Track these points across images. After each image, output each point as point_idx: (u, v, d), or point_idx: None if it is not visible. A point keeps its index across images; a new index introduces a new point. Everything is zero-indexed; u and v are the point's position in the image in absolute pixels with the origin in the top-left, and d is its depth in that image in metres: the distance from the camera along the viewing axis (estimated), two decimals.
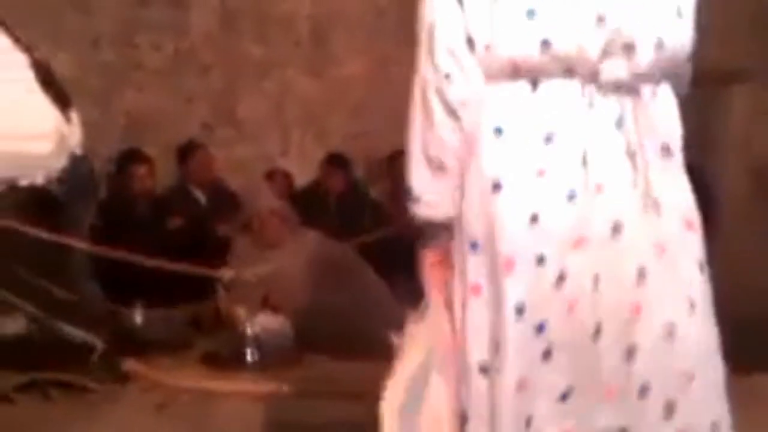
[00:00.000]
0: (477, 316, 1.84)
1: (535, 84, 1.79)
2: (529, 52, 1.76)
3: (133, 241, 4.71)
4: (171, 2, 6.26)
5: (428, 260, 1.92)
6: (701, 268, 1.86)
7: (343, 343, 4.31)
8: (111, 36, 6.14)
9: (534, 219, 1.79)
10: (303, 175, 6.37)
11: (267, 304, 4.65)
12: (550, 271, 1.79)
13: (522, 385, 1.80)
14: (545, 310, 1.80)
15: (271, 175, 6.18)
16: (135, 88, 6.22)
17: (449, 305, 1.88)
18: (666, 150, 1.84)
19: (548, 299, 1.80)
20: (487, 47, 1.78)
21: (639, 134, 1.81)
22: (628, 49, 1.77)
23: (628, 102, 1.81)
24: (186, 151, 5.96)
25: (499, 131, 1.80)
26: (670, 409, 1.83)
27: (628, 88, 1.80)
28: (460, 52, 1.79)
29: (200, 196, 5.90)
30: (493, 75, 1.80)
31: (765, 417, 3.74)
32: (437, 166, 1.84)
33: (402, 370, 1.87)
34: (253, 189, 5.87)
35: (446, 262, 1.89)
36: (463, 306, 1.85)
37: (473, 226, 1.83)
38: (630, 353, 1.82)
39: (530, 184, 1.79)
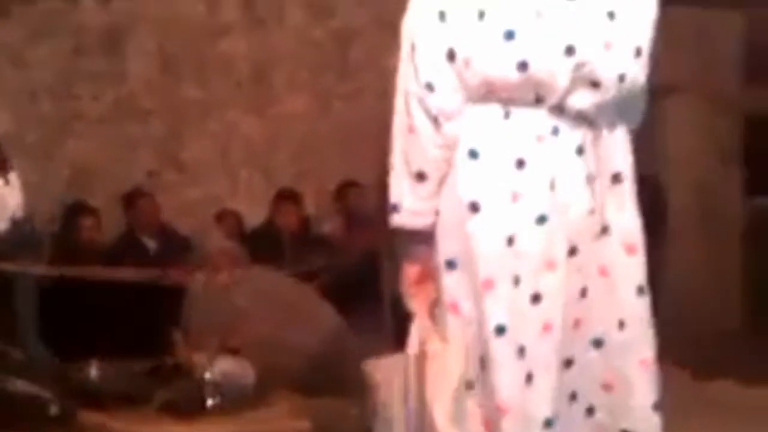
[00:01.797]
0: (457, 334, 1.86)
1: (506, 111, 1.86)
2: (506, 73, 1.83)
3: (83, 293, 4.64)
4: (107, 50, 6.23)
5: (411, 277, 1.94)
6: (639, 291, 1.94)
7: (306, 380, 4.29)
8: (49, 88, 6.08)
9: (510, 241, 1.84)
10: (252, 214, 6.33)
11: (225, 347, 4.60)
12: (525, 291, 1.85)
13: (505, 409, 1.83)
14: (523, 330, 1.85)
15: (220, 217, 6.14)
16: (76, 139, 6.16)
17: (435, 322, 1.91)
18: (616, 177, 1.93)
19: (525, 320, 1.85)
20: (466, 62, 1.84)
21: (596, 162, 1.90)
22: (594, 82, 1.86)
23: (587, 131, 1.90)
24: (131, 199, 5.90)
25: (474, 154, 1.86)
26: (590, 412, 1.95)
27: (588, 118, 1.89)
28: (441, 64, 1.84)
29: (150, 243, 5.84)
30: (468, 94, 1.86)
31: (722, 422, 3.80)
32: (418, 175, 1.88)
33: (443, 384, 1.87)
34: (203, 232, 5.83)
35: (429, 277, 1.92)
36: (444, 325, 1.89)
37: (449, 244, 1.88)
38: (567, 365, 1.90)
39: (506, 208, 1.85)
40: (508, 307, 1.84)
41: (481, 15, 1.82)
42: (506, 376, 1.84)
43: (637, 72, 1.91)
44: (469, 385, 1.88)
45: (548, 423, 1.85)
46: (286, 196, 6.27)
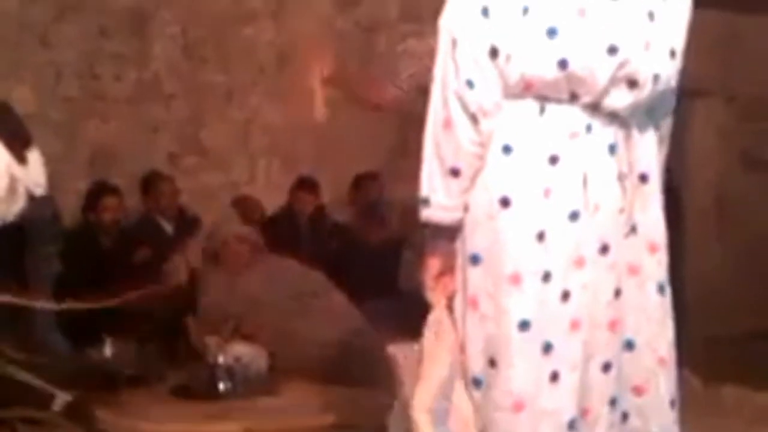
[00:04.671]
0: (472, 329, 1.87)
1: (542, 107, 1.86)
2: (546, 69, 1.83)
3: (99, 275, 4.66)
4: (132, 32, 6.25)
5: (433, 270, 1.94)
6: (661, 290, 1.95)
7: (318, 369, 4.30)
8: (73, 68, 6.11)
9: (541, 237, 1.84)
10: (270, 201, 6.35)
11: (239, 333, 4.62)
12: (556, 289, 1.85)
13: (520, 405, 1.82)
14: (551, 328, 1.85)
15: (239, 203, 6.16)
16: (99, 120, 6.19)
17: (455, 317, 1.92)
18: (643, 177, 1.93)
19: (554, 317, 1.85)
20: (507, 59, 1.83)
21: (627, 161, 1.91)
22: (632, 81, 1.86)
23: (619, 131, 1.90)
24: (149, 182, 5.93)
25: (507, 149, 1.86)
26: (624, 417, 1.95)
27: (620, 117, 1.89)
28: (484, 61, 1.84)
29: (167, 226, 5.87)
30: (506, 90, 1.86)
31: (732, 427, 3.79)
32: (451, 170, 1.88)
33: (428, 380, 1.89)
34: (220, 217, 5.85)
35: (452, 271, 1.91)
36: (462, 318, 1.88)
37: (476, 239, 1.88)
38: (606, 368, 1.90)
39: (537, 203, 1.85)
40: (535, 302, 1.84)
41: (525, 11, 1.82)
42: (525, 373, 1.83)
43: (671, 73, 1.92)
44: (476, 383, 1.88)
45: (572, 424, 1.85)
46: (305, 184, 6.28)
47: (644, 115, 1.94)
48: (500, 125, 1.86)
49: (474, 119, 1.85)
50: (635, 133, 1.93)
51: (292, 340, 4.49)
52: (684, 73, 1.98)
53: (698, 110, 6.76)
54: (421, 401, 1.87)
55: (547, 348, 1.83)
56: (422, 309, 1.96)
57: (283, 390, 4.29)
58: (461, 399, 1.89)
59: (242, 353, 4.41)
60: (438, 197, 1.89)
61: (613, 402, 1.92)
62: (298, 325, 4.56)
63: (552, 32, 1.82)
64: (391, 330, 2.80)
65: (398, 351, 1.99)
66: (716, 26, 6.45)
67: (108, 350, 4.45)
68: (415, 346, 1.95)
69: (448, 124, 1.86)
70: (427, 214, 1.91)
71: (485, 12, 1.83)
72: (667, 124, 2.02)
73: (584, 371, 1.87)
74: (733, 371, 4.70)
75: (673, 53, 1.91)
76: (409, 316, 2.04)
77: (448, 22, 1.88)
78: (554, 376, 1.84)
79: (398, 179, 5.77)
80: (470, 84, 1.84)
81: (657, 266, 1.95)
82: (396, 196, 5.94)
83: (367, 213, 6.19)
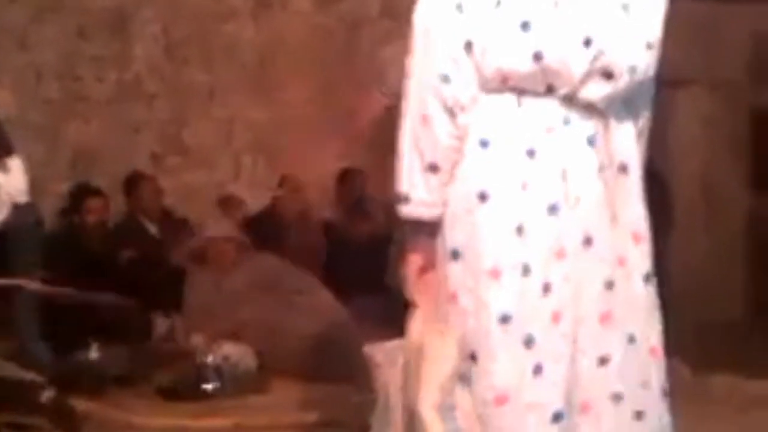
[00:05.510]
0: (454, 325, 1.86)
1: (519, 100, 1.86)
2: (520, 62, 1.83)
3: (85, 277, 4.63)
4: (112, 33, 6.21)
5: (414, 266, 1.93)
6: (646, 279, 1.94)
7: (305, 366, 4.29)
8: (53, 70, 6.07)
9: (519, 230, 1.84)
10: (255, 200, 6.33)
11: (225, 331, 4.60)
12: (536, 281, 1.84)
13: (503, 399, 1.81)
14: (532, 321, 1.83)
15: (224, 202, 6.14)
16: (80, 121, 6.15)
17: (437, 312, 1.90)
18: (623, 168, 1.93)
19: (535, 309, 1.84)
20: (483, 52, 1.83)
21: (607, 153, 1.90)
22: (608, 73, 1.86)
23: (598, 122, 1.90)
24: (132, 183, 5.89)
25: (485, 143, 1.85)
26: (639, 416, 1.91)
27: (598, 109, 1.89)
28: (459, 55, 1.84)
29: (151, 227, 5.84)
30: (482, 83, 1.85)
31: (722, 415, 3.80)
32: (430, 166, 1.87)
33: (434, 377, 1.87)
34: (205, 216, 5.83)
35: (432, 267, 1.91)
36: (445, 314, 1.88)
37: (455, 234, 1.87)
38: (603, 362, 1.88)
39: (515, 197, 1.84)
40: (515, 296, 1.83)
41: (498, 4, 1.82)
42: (507, 366, 1.82)
43: (648, 64, 1.92)
44: (463, 379, 1.87)
45: (557, 416, 1.83)
46: (289, 183, 6.26)
47: (622, 106, 1.93)
48: (477, 119, 1.86)
49: (451, 113, 1.85)
50: (613, 124, 1.92)
51: (278, 337, 4.47)
52: (665, 63, 1.97)
53: (682, 100, 6.77)
54: (428, 398, 1.86)
55: (529, 341, 1.82)
56: (408, 305, 1.95)
57: (271, 388, 4.28)
58: (462, 395, 1.89)
59: (230, 352, 4.40)
60: (418, 193, 1.88)
61: (618, 397, 1.89)
62: (285, 323, 4.55)
63: (525, 25, 1.82)
64: (378, 326, 2.79)
65: (376, 351, 1.97)
66: (696, 15, 6.46)
67: (94, 354, 4.42)
68: (395, 344, 1.94)
69: (425, 119, 1.85)
70: (407, 210, 1.90)
71: (459, 7, 1.83)
72: (645, 115, 2.02)
73: (573, 364, 1.86)
74: (721, 359, 4.71)
75: (649, 45, 1.91)
76: (396, 313, 2.03)
77: (422, 17, 1.88)
78: (537, 369, 1.83)
79: (387, 175, 5.77)
80: (446, 79, 1.84)
81: (642, 257, 1.94)
82: (384, 192, 5.93)
83: (353, 209, 6.18)
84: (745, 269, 7.01)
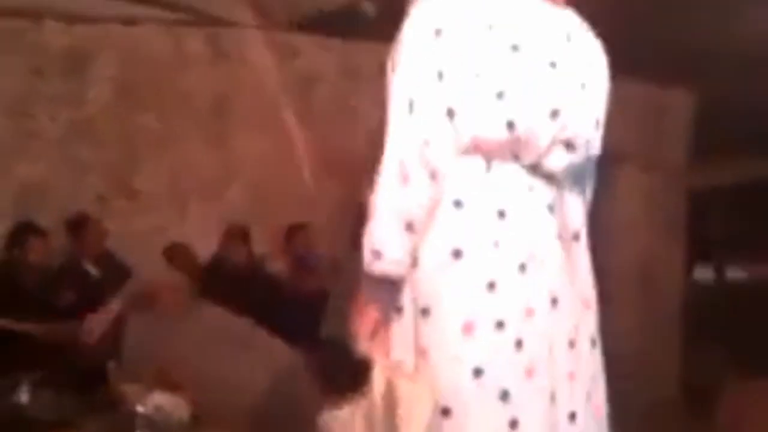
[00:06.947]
0: (425, 379, 1.87)
1: (488, 165, 1.92)
2: (495, 130, 1.89)
3: (22, 317, 4.55)
4: (67, 73, 6.19)
5: (370, 322, 1.94)
6: (592, 344, 2.00)
7: (247, 418, 4.24)
8: (6, 106, 6.02)
9: (491, 286, 1.87)
10: (201, 248, 6.29)
11: (165, 381, 4.53)
12: (510, 336, 1.87)
13: None
14: (506, 375, 1.86)
15: (170, 249, 6.09)
16: (29, 159, 6.09)
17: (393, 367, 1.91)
18: (576, 236, 2.01)
19: (510, 364, 1.86)
20: (462, 119, 1.89)
21: (562, 221, 1.98)
22: (569, 144, 1.95)
23: (555, 191, 1.98)
24: (76, 224, 5.83)
25: (458, 204, 1.90)
26: None
27: (556, 179, 1.97)
28: (441, 122, 1.88)
29: (92, 270, 5.77)
30: (456, 148, 1.91)
31: None
32: (408, 225, 1.89)
33: (414, 417, 1.85)
34: (149, 261, 5.77)
35: (387, 321, 1.93)
36: (416, 369, 1.89)
37: (427, 290, 1.89)
38: (572, 418, 1.94)
39: (488, 254, 1.89)
40: (489, 350, 1.85)
41: (477, 74, 1.88)
42: (482, 420, 1.83)
43: (597, 140, 2.02)
44: None
45: None
46: (236, 233, 6.25)
47: (573, 178, 2.02)
48: (450, 181, 1.91)
49: (432, 176, 1.89)
50: (567, 194, 2.00)
51: (219, 388, 4.42)
52: (610, 142, 2.07)
53: (623, 178, 6.94)
54: None
55: (504, 395, 1.84)
56: (345, 362, 1.95)
57: None
58: None
59: (163, 402, 4.33)
60: (392, 251, 1.89)
61: None
62: (227, 373, 4.50)
63: (501, 95, 1.88)
64: (316, 382, 2.78)
65: (332, 420, 1.95)
66: (642, 98, 6.67)
67: (24, 397, 4.33)
68: (347, 410, 1.92)
69: (405, 180, 1.88)
70: (379, 267, 1.90)
71: (440, 75, 1.88)
72: (590, 188, 2.12)
73: (551, 417, 1.89)
74: None
75: (598, 123, 2.02)
76: (334, 368, 2.03)
77: (403, 84, 1.91)
78: (513, 424, 1.85)
79: (333, 232, 5.79)
80: (427, 143, 1.88)
81: (589, 321, 2.00)
82: (329, 248, 5.95)
83: (298, 264, 6.17)
84: (664, 352, 7.11)
